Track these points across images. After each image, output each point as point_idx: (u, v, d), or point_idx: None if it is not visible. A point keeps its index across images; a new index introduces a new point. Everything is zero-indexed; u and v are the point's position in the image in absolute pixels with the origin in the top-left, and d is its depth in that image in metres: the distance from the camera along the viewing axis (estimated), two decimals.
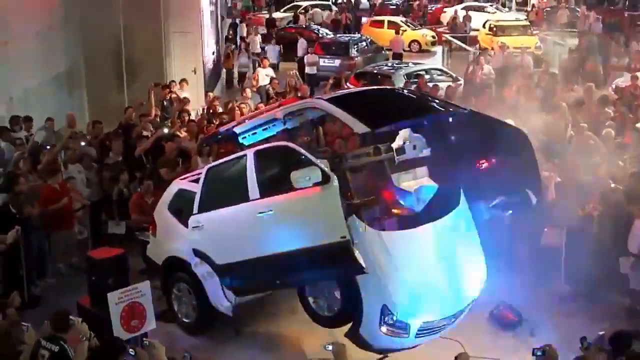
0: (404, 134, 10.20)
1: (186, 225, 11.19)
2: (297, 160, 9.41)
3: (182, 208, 11.50)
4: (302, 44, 32.05)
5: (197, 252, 10.96)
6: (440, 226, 9.85)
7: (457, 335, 10.22)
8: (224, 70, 31.41)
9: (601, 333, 8.64)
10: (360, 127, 9.35)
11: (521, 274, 12.65)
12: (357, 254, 8.93)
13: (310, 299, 10.24)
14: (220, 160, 11.37)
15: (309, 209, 9.35)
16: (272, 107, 12.02)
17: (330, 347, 8.15)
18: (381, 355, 10.01)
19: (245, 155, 10.52)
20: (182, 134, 16.26)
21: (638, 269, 11.47)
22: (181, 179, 12.34)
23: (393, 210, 10.13)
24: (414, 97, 13.19)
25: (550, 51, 31.25)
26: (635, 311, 11.53)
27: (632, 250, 11.53)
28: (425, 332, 9.66)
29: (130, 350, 8.25)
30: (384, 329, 9.40)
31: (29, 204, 12.73)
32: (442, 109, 10.98)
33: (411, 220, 9.84)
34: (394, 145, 10.15)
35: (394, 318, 9.30)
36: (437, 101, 11.91)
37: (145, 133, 16.36)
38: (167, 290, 11.93)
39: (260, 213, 9.83)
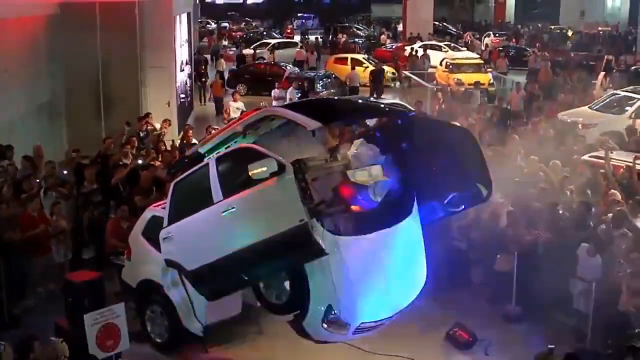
0: (358, 142, 10.19)
1: (159, 250, 10.98)
2: (255, 158, 9.33)
3: (155, 233, 11.25)
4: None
5: (169, 262, 10.73)
6: (391, 234, 9.75)
7: (414, 355, 10.18)
8: (213, 97, 31.40)
9: (551, 347, 8.76)
10: (312, 124, 9.31)
11: (475, 297, 12.75)
12: (316, 236, 8.86)
13: (261, 284, 10.14)
14: (185, 173, 11.10)
15: (268, 199, 9.28)
16: (232, 123, 11.94)
17: None
18: None
19: (207, 163, 10.45)
20: (157, 163, 16.15)
21: (583, 291, 11.55)
22: (154, 206, 12.23)
23: (351, 207, 9.91)
24: (362, 101, 13.23)
25: (502, 88, 31.73)
26: (579, 330, 11.59)
27: (580, 275, 11.66)
28: (361, 330, 9.72)
29: None
30: (325, 325, 9.41)
31: (10, 229, 12.56)
32: (389, 111, 11.16)
33: (366, 227, 9.68)
34: (350, 153, 10.15)
35: (337, 317, 9.32)
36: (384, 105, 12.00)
37: (125, 161, 16.23)
38: (141, 311, 11.81)
39: (224, 212, 9.71)
